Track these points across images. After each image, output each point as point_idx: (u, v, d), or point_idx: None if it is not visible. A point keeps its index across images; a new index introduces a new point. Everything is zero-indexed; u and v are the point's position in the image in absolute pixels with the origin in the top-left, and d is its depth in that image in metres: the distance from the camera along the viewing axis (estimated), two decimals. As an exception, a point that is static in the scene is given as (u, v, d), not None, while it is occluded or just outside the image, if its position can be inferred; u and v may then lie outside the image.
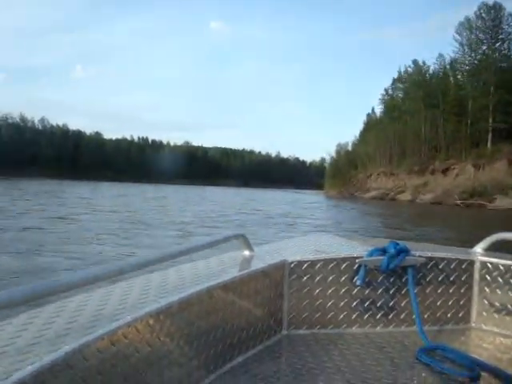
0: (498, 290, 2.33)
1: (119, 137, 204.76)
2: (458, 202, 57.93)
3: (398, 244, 2.33)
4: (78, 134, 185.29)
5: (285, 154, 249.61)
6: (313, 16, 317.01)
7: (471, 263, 2.39)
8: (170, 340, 1.59)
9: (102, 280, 1.46)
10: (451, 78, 79.74)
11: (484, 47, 71.65)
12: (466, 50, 73.83)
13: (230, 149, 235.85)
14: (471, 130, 69.37)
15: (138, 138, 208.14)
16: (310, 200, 65.26)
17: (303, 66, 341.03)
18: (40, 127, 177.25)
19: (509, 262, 2.31)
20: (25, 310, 1.43)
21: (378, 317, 2.33)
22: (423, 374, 1.86)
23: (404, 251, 2.30)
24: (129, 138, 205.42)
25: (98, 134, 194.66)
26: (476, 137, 68.81)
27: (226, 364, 1.87)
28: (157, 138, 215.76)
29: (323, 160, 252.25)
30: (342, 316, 2.30)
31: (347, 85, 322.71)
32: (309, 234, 3.23)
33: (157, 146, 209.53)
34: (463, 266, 2.38)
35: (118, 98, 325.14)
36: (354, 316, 2.31)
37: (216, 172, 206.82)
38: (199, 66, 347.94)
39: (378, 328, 2.32)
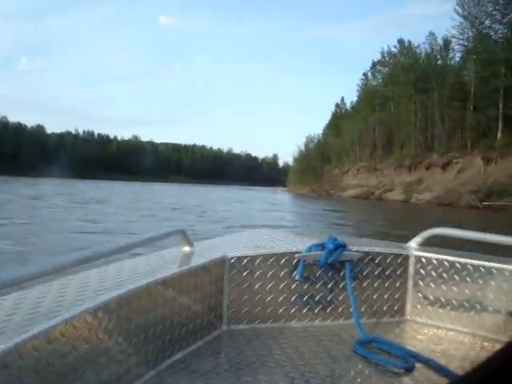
0: (431, 284, 2.38)
1: (63, 131, 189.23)
2: (478, 203, 46.12)
3: (336, 239, 2.35)
4: (18, 127, 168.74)
5: (237, 150, 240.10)
6: (263, 10, 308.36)
7: (406, 258, 2.43)
8: (109, 337, 1.56)
9: (39, 277, 1.43)
10: (449, 59, 69.96)
11: (489, 21, 61.21)
12: (468, 24, 62.86)
13: (181, 144, 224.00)
14: (476, 117, 57.79)
15: (84, 131, 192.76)
16: (276, 200, 56.22)
17: (255, 61, 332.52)
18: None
19: (442, 257, 2.36)
20: None
21: (316, 311, 2.34)
22: (360, 366, 1.88)
23: (342, 246, 2.32)
24: (73, 131, 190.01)
25: (40, 127, 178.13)
26: (482, 126, 57.34)
27: (165, 360, 1.85)
28: (104, 132, 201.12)
29: (275, 157, 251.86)
30: (281, 310, 2.30)
31: (302, 81, 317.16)
32: (249, 229, 3.14)
33: (103, 140, 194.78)
34: (398, 261, 2.42)
35: (64, 92, 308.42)
36: (293, 310, 2.32)
37: (166, 168, 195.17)
38: (148, 61, 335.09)
39: (317, 322, 2.34)
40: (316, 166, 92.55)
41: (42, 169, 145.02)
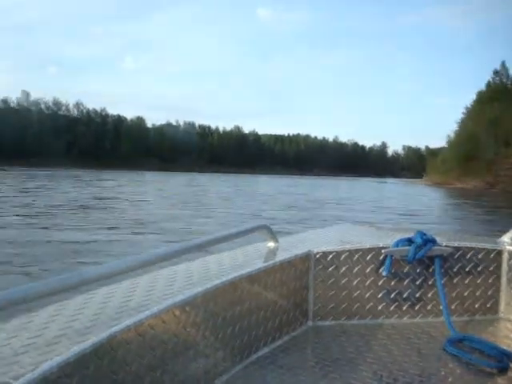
0: None
1: (163, 123, 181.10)
2: None
3: (424, 234, 2.26)
4: (118, 120, 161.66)
5: (343, 139, 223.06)
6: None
7: (499, 253, 2.30)
8: (196, 331, 1.57)
9: (128, 271, 1.46)
10: None
11: None
12: None
13: (284, 135, 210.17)
14: None
15: (184, 122, 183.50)
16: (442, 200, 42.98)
17: (355, 51, 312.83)
18: (76, 113, 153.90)
19: None
20: (52, 301, 1.42)
21: (404, 308, 2.27)
22: (451, 365, 1.81)
23: (431, 241, 2.24)
24: (174, 123, 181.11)
25: (140, 119, 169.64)
26: None
27: (251, 355, 1.85)
28: (205, 123, 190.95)
29: (384, 145, 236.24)
30: (368, 307, 2.25)
31: (404, 71, 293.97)
32: (334, 225, 3.10)
33: (205, 131, 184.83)
34: (491, 256, 2.30)
35: (166, 88, 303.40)
36: (380, 307, 2.26)
37: (269, 159, 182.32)
38: (248, 53, 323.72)
39: (405, 319, 2.27)
40: (486, 151, 70.70)
41: (141, 162, 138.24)
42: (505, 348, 1.89)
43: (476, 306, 2.29)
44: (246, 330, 1.82)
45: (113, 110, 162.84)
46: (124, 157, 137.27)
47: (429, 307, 2.28)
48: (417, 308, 2.27)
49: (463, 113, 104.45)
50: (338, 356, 1.87)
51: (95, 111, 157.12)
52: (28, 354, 1.11)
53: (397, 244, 2.25)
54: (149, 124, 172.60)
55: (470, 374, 1.74)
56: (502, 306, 2.30)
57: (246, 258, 2.10)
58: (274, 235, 2.31)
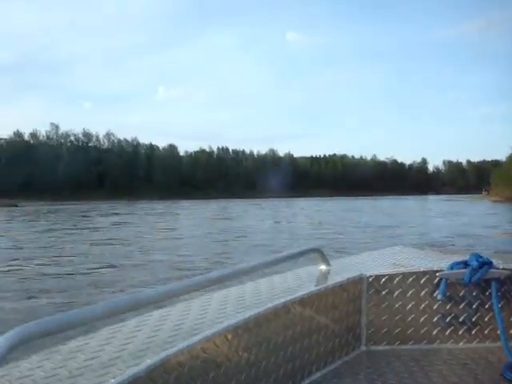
0: None
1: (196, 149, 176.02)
2: None
3: (480, 256, 2.21)
4: (150, 149, 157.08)
5: (381, 157, 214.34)
6: (387, 16, 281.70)
7: None
8: (248, 355, 1.57)
9: (180, 295, 1.47)
10: None
11: None
12: None
13: (319, 156, 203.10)
14: None
15: (218, 148, 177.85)
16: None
17: (385, 68, 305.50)
18: (106, 144, 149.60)
19: None
20: (108, 324, 1.44)
21: (460, 332, 2.22)
22: None
23: (487, 264, 2.17)
24: (207, 149, 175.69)
25: (172, 146, 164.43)
26: None
27: (304, 379, 1.84)
28: (239, 148, 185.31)
29: (424, 161, 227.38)
30: (423, 331, 2.20)
31: (432, 83, 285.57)
32: (386, 248, 3.01)
33: (239, 157, 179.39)
34: None
35: (198, 117, 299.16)
36: (435, 331, 2.20)
37: (306, 181, 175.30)
38: (277, 77, 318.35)
39: (461, 344, 2.21)
40: None
41: (174, 191, 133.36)
42: None
43: None
44: (298, 354, 1.81)
45: (145, 141, 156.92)
46: (157, 187, 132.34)
47: (486, 332, 2.21)
48: (473, 333, 2.21)
49: None
50: (392, 382, 1.83)
51: (126, 141, 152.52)
52: (83, 376, 1.13)
53: (451, 267, 2.20)
54: (181, 152, 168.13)
55: None
56: None
57: (298, 282, 2.08)
58: (325, 258, 2.28)
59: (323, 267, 2.28)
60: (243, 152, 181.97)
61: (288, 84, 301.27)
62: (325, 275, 2.20)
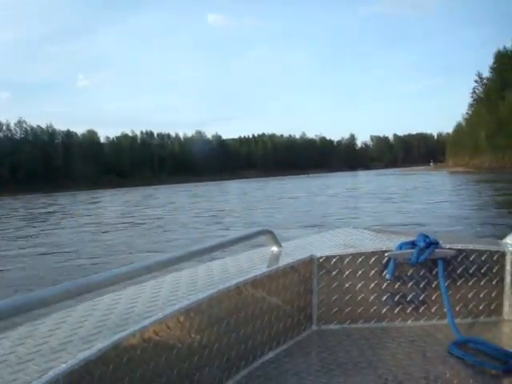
0: None
1: (118, 133, 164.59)
2: None
3: (427, 237, 2.25)
4: (67, 136, 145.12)
5: (310, 135, 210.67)
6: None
7: (502, 255, 2.26)
8: (201, 336, 1.58)
9: (132, 278, 1.46)
10: None
11: None
12: None
13: (248, 137, 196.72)
14: None
15: (142, 132, 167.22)
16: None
17: (310, 50, 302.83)
18: (19, 133, 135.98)
19: None
20: (58, 309, 1.42)
21: (408, 310, 2.25)
22: (456, 368, 1.79)
23: (434, 244, 2.22)
24: (130, 133, 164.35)
25: (91, 132, 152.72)
26: None
27: (256, 360, 1.85)
28: (164, 131, 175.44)
29: (353, 137, 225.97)
30: (372, 310, 2.24)
31: (357, 62, 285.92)
32: (336, 229, 3.02)
33: (165, 141, 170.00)
34: (494, 258, 2.26)
35: (122, 103, 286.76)
36: (384, 310, 2.24)
37: (236, 163, 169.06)
38: (203, 61, 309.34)
39: (409, 322, 2.25)
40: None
41: (96, 180, 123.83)
42: (509, 350, 1.86)
43: (480, 308, 2.26)
44: (251, 335, 1.82)
45: (64, 129, 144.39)
46: (78, 176, 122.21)
47: (433, 310, 2.25)
48: (421, 311, 2.24)
49: (476, 90, 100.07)
50: (342, 360, 1.85)
51: (41, 128, 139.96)
52: (34, 361, 1.12)
53: (400, 247, 2.23)
54: (103, 139, 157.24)
55: (475, 376, 1.72)
56: (506, 308, 2.26)
57: (250, 263, 2.10)
58: (277, 240, 2.30)
59: (275, 248, 2.29)
60: (169, 136, 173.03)
61: (213, 67, 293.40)
62: (276, 256, 2.21)
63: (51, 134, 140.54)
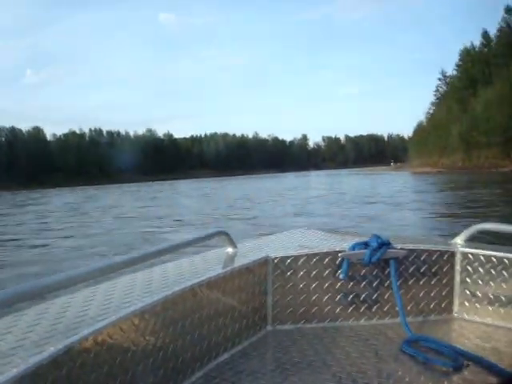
0: (479, 281, 2.27)
1: (66, 131, 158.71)
2: None
3: (379, 237, 2.28)
4: (11, 133, 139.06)
5: (263, 135, 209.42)
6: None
7: (452, 254, 2.32)
8: (156, 339, 1.57)
9: (85, 280, 1.43)
10: None
11: None
12: None
13: (200, 136, 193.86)
14: None
15: (90, 130, 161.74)
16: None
17: (260, 51, 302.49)
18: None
19: (489, 253, 2.25)
20: (8, 312, 1.37)
21: (361, 310, 2.28)
22: (407, 365, 1.82)
23: (386, 244, 2.25)
24: (78, 131, 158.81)
25: (37, 129, 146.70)
26: None
27: (211, 361, 1.85)
28: (114, 129, 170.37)
29: (305, 138, 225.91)
30: (326, 310, 2.25)
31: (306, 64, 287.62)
32: (291, 230, 3.00)
33: (114, 138, 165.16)
34: (444, 258, 2.32)
35: (70, 101, 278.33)
36: (338, 310, 2.26)
37: (188, 162, 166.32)
38: (154, 60, 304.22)
39: (362, 321, 2.28)
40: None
41: (42, 178, 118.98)
42: (459, 347, 1.90)
43: (431, 306, 2.31)
44: (206, 337, 1.82)
45: (8, 126, 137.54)
46: (20, 175, 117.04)
47: (385, 309, 2.28)
48: (374, 310, 2.28)
49: (439, 88, 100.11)
50: (297, 359, 1.87)
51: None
52: None
53: (353, 247, 2.26)
54: (49, 136, 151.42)
55: (426, 373, 1.75)
56: (456, 306, 2.31)
57: (205, 265, 2.09)
58: (232, 241, 2.30)
59: (230, 250, 2.29)
60: (118, 133, 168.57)
61: (164, 65, 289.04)
62: (231, 257, 2.21)
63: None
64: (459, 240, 2.41)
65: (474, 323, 2.25)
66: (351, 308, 2.26)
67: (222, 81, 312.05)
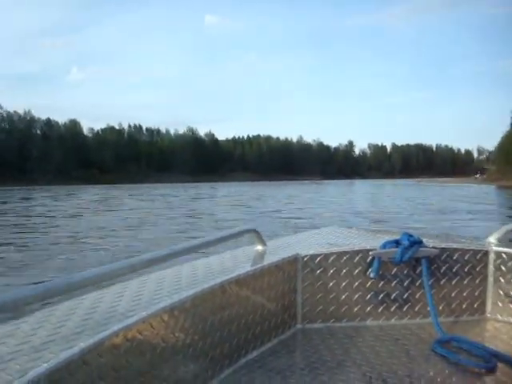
0: None
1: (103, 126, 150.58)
2: None
3: (411, 236, 2.25)
4: (47, 125, 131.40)
5: (307, 139, 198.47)
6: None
7: (485, 254, 2.27)
8: (185, 335, 1.56)
9: (116, 277, 1.44)
10: None
11: None
12: None
13: (243, 137, 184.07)
14: None
15: (129, 126, 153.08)
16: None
17: (309, 55, 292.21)
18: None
19: None
20: (39, 308, 1.40)
21: (392, 309, 2.25)
22: (439, 366, 1.79)
23: (417, 242, 2.22)
24: (117, 126, 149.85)
25: (73, 122, 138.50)
26: None
27: (240, 359, 1.84)
28: (154, 127, 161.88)
29: (351, 144, 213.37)
30: (356, 309, 2.23)
31: (355, 70, 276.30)
32: (321, 228, 2.98)
33: (153, 136, 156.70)
34: (477, 257, 2.27)
35: (114, 99, 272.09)
36: (368, 309, 2.24)
37: (229, 165, 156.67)
38: (198, 61, 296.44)
39: (393, 320, 2.25)
40: None
41: (77, 174, 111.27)
42: (492, 348, 1.87)
43: (463, 306, 2.27)
44: (235, 334, 1.80)
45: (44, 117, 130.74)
46: (56, 169, 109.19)
47: (416, 308, 2.25)
48: (404, 309, 2.24)
49: None
50: (326, 358, 1.85)
51: (18, 115, 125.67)
52: (15, 360, 1.10)
53: (384, 246, 2.23)
54: (86, 130, 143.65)
55: (458, 374, 1.72)
56: (489, 307, 2.27)
57: (235, 262, 2.08)
58: (261, 239, 2.30)
59: (259, 247, 2.29)
60: (158, 131, 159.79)
61: (208, 68, 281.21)
62: (261, 255, 2.21)
63: (29, 121, 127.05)
64: (492, 239, 2.32)
65: (507, 324, 2.18)
66: (382, 307, 2.22)
67: (268, 84, 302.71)
